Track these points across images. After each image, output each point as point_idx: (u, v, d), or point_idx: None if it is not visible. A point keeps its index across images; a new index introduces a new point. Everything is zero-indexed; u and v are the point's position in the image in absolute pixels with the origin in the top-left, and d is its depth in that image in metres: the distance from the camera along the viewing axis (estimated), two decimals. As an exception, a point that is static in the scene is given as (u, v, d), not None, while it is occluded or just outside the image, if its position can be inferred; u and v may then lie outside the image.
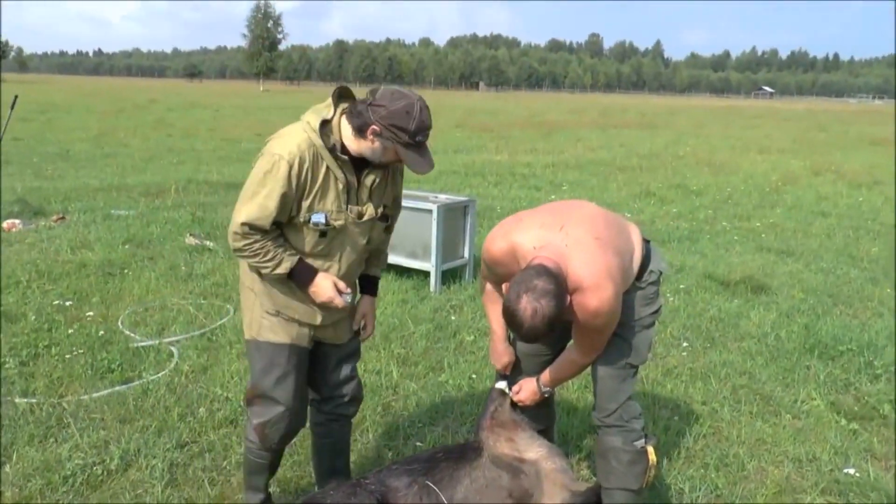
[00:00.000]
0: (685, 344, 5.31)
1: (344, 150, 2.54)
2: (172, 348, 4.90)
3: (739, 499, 3.38)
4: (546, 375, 3.01)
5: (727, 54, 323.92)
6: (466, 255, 6.73)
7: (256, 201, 2.45)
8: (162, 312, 5.64)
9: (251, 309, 2.75)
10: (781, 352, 5.20)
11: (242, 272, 2.77)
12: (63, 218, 8.85)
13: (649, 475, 2.96)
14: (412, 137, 2.43)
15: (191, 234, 7.91)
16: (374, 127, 2.44)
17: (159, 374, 4.47)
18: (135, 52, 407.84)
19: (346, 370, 2.92)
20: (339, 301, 2.66)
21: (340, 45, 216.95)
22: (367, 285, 3.01)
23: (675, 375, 4.75)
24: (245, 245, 2.52)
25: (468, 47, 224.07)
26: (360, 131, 2.48)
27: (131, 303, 5.84)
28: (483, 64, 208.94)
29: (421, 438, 3.84)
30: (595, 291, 2.52)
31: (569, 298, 2.52)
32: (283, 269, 2.57)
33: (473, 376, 4.61)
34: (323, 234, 2.60)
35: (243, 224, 2.47)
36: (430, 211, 6.28)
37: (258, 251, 2.53)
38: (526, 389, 3.06)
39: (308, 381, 2.91)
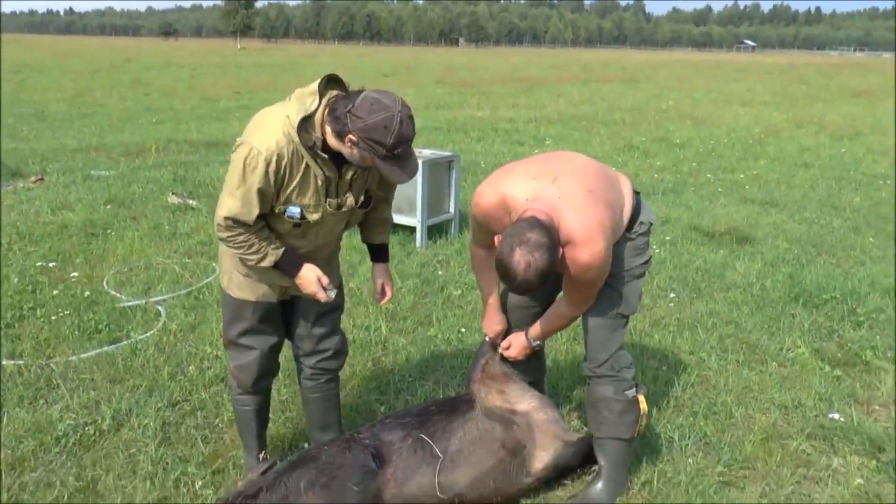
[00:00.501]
0: (672, 295, 5.34)
1: (325, 146, 2.48)
2: (159, 308, 4.86)
3: (727, 445, 3.42)
4: (535, 329, 3.03)
5: (709, 9, 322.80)
6: (452, 209, 6.70)
7: (237, 196, 2.44)
8: (147, 272, 5.59)
9: (224, 260, 2.79)
10: (767, 301, 5.25)
11: None
12: (42, 179, 8.71)
13: (641, 424, 3.00)
14: (390, 151, 2.37)
15: (173, 193, 7.82)
16: (351, 137, 2.38)
17: (147, 334, 4.44)
18: (108, 11, 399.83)
19: (327, 324, 2.92)
20: (322, 296, 2.69)
21: (318, 1, 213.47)
22: (377, 253, 3.01)
23: (662, 326, 4.77)
24: (229, 237, 2.54)
25: (447, 3, 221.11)
26: (339, 136, 2.43)
27: (115, 263, 5.78)
28: (463, 20, 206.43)
29: (412, 393, 3.85)
30: (586, 245, 2.52)
31: (560, 251, 2.52)
32: (268, 262, 2.59)
33: (462, 330, 4.62)
34: (297, 225, 2.60)
35: (226, 218, 2.49)
36: (415, 166, 6.21)
37: (242, 243, 2.55)
38: (515, 344, 3.08)
39: (290, 335, 2.95)
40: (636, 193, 2.90)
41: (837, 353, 4.44)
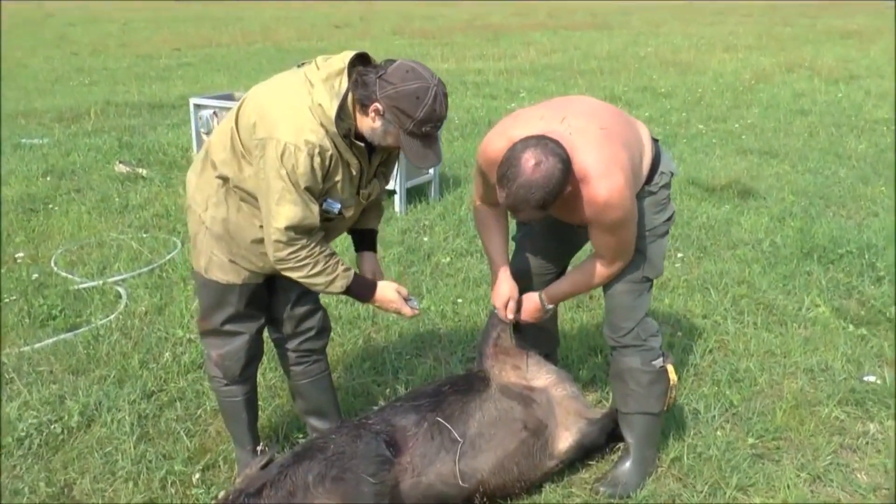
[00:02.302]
0: (679, 255, 5.32)
1: (358, 134, 2.41)
2: (119, 288, 4.72)
3: (756, 415, 3.43)
4: (553, 289, 2.93)
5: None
6: (431, 170, 6.60)
7: (291, 199, 2.32)
8: (100, 250, 5.42)
9: (201, 240, 2.64)
10: (778, 258, 5.26)
11: (191, 193, 2.64)
12: (-33, 150, 8.40)
13: (670, 396, 2.98)
14: (418, 127, 2.28)
15: (120, 162, 7.60)
16: (377, 105, 2.28)
17: (109, 318, 4.31)
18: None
19: (309, 302, 2.86)
20: (407, 311, 2.66)
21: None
22: (365, 240, 2.92)
23: (671, 289, 4.77)
24: (291, 254, 2.41)
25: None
26: (362, 105, 2.32)
27: (62, 241, 5.60)
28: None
29: (410, 371, 3.79)
30: (603, 180, 2.45)
31: (569, 188, 2.44)
32: (337, 287, 2.52)
33: (458, 300, 4.57)
34: (329, 219, 2.52)
35: (287, 229, 2.35)
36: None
37: (306, 261, 2.43)
38: (527, 307, 2.98)
39: (268, 318, 2.87)
40: (655, 141, 2.83)
41: (860, 310, 4.46)
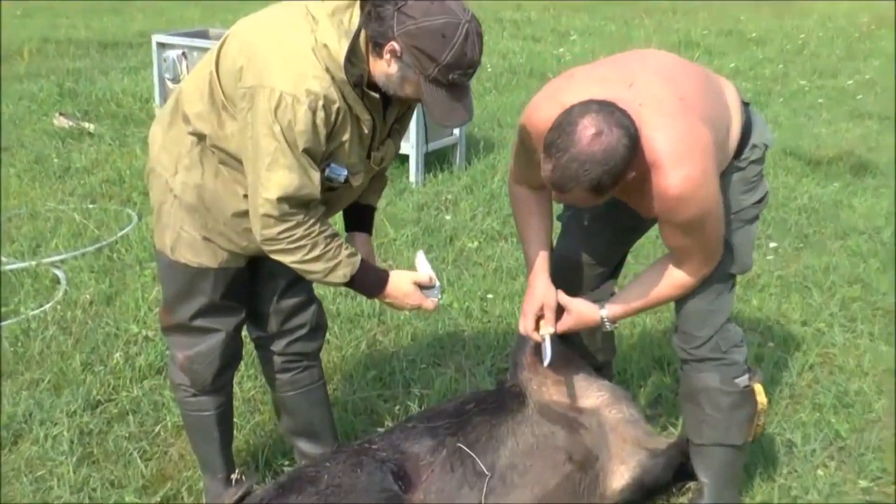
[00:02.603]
0: (772, 245, 5.30)
1: (371, 83, 2.37)
2: (56, 271, 4.78)
3: (871, 450, 3.39)
4: (616, 305, 2.83)
5: None
6: (457, 131, 6.59)
7: (285, 164, 2.29)
8: (33, 223, 5.49)
9: (167, 212, 2.61)
10: (902, 252, 5.22)
11: (155, 154, 2.62)
12: None
13: (758, 423, 2.94)
14: (444, 74, 2.24)
15: (60, 114, 7.68)
16: (393, 44, 2.25)
17: (44, 308, 4.35)
18: None
19: (301, 293, 2.85)
20: (429, 304, 2.64)
21: None
22: (362, 219, 2.88)
23: (761, 287, 4.75)
24: (283, 233, 2.37)
25: None
26: (376, 45, 2.29)
27: (-15, 211, 5.67)
28: None
29: (426, 384, 3.79)
30: (678, 167, 2.41)
31: (633, 173, 2.41)
32: (339, 277, 2.49)
33: (488, 296, 4.55)
34: (332, 188, 2.50)
35: (280, 200, 2.31)
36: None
37: (302, 242, 2.39)
38: (579, 319, 2.85)
39: (249, 313, 2.86)
40: (745, 105, 2.81)
41: None
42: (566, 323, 2.87)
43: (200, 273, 2.63)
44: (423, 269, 2.66)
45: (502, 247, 5.21)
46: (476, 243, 5.25)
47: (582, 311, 2.85)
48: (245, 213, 2.48)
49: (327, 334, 3.21)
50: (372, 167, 2.57)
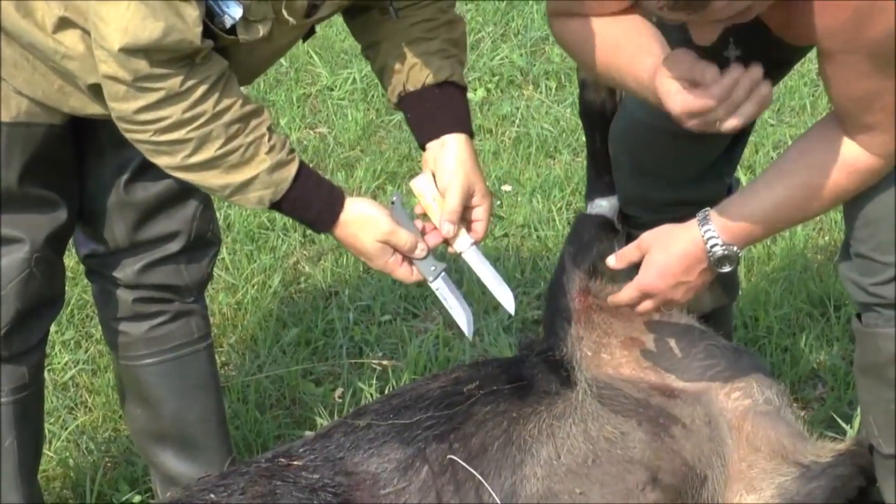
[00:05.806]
0: None
1: None
2: None
3: None
4: (732, 213, 2.15)
5: None
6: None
7: None
8: None
9: None
10: None
11: None
12: None
13: None
14: None
15: None
16: None
17: None
18: None
19: (174, 184, 2.28)
20: (404, 274, 2.05)
21: None
22: (442, 109, 2.12)
23: None
24: (143, 110, 1.82)
25: None
26: None
27: None
28: None
29: (390, 350, 3.18)
30: None
31: None
32: (254, 197, 1.96)
33: (505, 186, 3.94)
34: (233, 39, 1.97)
35: (128, 52, 1.78)
36: None
37: (182, 131, 1.85)
38: (675, 249, 2.18)
39: (77, 215, 2.33)
40: None
41: None
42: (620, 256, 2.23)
43: None
44: (402, 220, 2.05)
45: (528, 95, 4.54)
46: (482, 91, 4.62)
47: (677, 243, 2.20)
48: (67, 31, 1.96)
49: (217, 259, 2.53)
50: (286, 16, 1.95)
